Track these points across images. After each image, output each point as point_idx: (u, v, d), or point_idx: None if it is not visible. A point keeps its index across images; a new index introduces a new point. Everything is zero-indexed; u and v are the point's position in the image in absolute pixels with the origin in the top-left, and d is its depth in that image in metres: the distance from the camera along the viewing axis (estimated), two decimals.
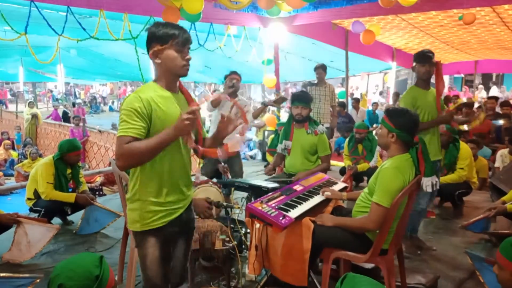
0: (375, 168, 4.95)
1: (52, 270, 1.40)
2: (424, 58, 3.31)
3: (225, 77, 4.48)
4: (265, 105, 4.76)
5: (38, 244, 3.42)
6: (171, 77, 1.86)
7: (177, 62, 1.81)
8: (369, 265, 2.78)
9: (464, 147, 4.52)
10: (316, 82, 6.41)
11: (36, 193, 4.00)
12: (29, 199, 4.06)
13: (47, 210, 3.94)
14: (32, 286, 2.55)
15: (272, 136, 7.00)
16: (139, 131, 1.70)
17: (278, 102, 4.77)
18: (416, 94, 3.38)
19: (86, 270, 1.35)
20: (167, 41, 1.78)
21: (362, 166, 5.49)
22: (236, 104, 1.96)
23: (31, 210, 4.04)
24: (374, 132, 6.56)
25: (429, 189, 2.82)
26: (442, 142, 4.42)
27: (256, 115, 4.67)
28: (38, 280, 2.58)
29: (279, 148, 3.81)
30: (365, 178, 5.65)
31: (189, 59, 1.84)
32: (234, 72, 4.47)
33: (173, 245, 1.99)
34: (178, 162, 1.88)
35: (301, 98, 3.63)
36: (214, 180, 3.85)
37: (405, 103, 3.33)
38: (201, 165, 4.56)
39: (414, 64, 3.38)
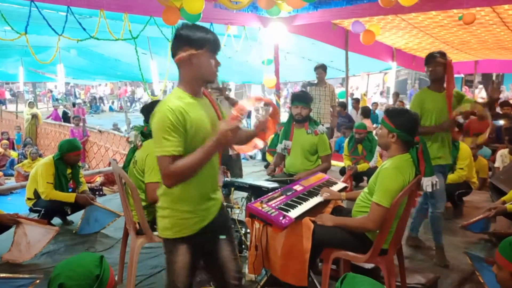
0: (375, 168, 4.95)
1: (52, 270, 1.40)
2: (428, 58, 3.28)
3: None
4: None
5: (37, 245, 3.42)
6: (200, 83, 1.80)
7: (211, 68, 1.77)
8: (369, 265, 2.78)
9: (464, 147, 4.52)
10: (316, 82, 6.41)
11: (36, 193, 4.00)
12: (29, 199, 4.06)
13: (47, 210, 3.94)
14: (32, 287, 2.55)
15: (272, 136, 6.99)
16: (181, 147, 1.68)
17: (221, 91, 4.38)
18: (425, 96, 3.31)
19: (86, 270, 1.35)
20: (203, 46, 1.72)
21: (362, 166, 5.49)
22: (272, 105, 1.95)
23: (31, 210, 4.05)
24: (374, 132, 6.56)
25: (429, 189, 2.81)
26: None
27: None
28: (38, 281, 2.58)
29: (279, 148, 3.81)
30: (365, 178, 5.65)
31: (219, 65, 1.80)
32: None
33: (216, 250, 1.93)
34: (209, 169, 1.84)
35: (301, 98, 3.63)
36: None
37: (413, 105, 3.28)
38: None
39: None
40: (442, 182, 3.29)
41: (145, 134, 2.89)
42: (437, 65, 3.25)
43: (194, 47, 1.71)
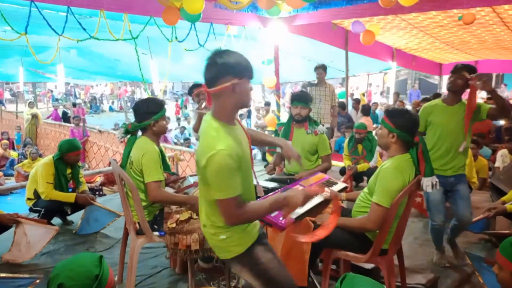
0: (375, 168, 4.95)
1: (52, 270, 1.40)
2: (454, 67, 3.14)
3: (189, 93, 4.18)
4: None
5: (37, 245, 3.42)
6: (237, 110, 1.83)
7: (250, 95, 1.78)
8: (369, 265, 2.78)
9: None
10: (316, 82, 6.42)
11: (36, 193, 4.00)
12: (29, 199, 4.06)
13: (47, 210, 3.94)
14: (32, 287, 2.55)
15: (272, 136, 6.99)
16: (241, 184, 1.73)
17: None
18: (433, 109, 3.21)
19: (85, 270, 1.35)
20: (244, 75, 1.73)
21: (362, 166, 5.49)
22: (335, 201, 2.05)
23: (31, 210, 4.05)
24: (374, 132, 6.56)
25: (429, 189, 2.79)
26: None
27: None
28: (38, 281, 2.58)
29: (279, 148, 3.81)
30: (365, 178, 5.65)
31: (252, 90, 1.82)
32: (198, 85, 4.13)
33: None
34: (251, 185, 1.91)
35: (300, 98, 3.63)
36: None
37: (420, 116, 3.18)
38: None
39: None
40: (438, 194, 3.18)
41: (129, 131, 2.86)
42: (459, 77, 3.07)
43: (237, 76, 1.71)
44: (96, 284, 1.33)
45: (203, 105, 3.87)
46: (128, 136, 2.88)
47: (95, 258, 1.40)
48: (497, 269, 1.70)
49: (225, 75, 1.70)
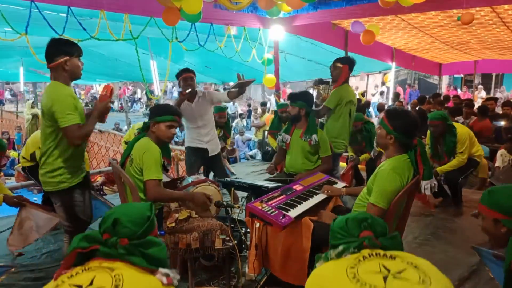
0: (375, 159, 5.04)
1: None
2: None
3: (177, 76, 4.13)
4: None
5: (40, 230, 3.34)
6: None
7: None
8: None
9: (461, 130, 4.42)
10: (329, 80, 6.24)
11: (33, 156, 3.98)
12: (24, 158, 4.07)
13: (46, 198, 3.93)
14: (6, 275, 2.53)
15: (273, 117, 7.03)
16: None
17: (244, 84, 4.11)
18: None
19: (140, 211, 1.44)
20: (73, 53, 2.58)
21: (364, 157, 5.46)
22: None
23: (23, 170, 4.13)
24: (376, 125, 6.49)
25: (428, 192, 2.80)
26: (437, 133, 4.36)
27: (232, 96, 4.18)
28: (13, 269, 2.56)
29: (279, 140, 3.86)
30: (365, 179, 5.64)
31: None
32: (186, 70, 4.08)
33: None
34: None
35: (288, 97, 3.79)
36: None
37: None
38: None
39: None
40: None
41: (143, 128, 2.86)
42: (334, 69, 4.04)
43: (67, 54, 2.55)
44: (148, 224, 1.40)
45: (187, 91, 3.98)
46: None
47: (147, 204, 1.50)
48: (481, 220, 1.75)
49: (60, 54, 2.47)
